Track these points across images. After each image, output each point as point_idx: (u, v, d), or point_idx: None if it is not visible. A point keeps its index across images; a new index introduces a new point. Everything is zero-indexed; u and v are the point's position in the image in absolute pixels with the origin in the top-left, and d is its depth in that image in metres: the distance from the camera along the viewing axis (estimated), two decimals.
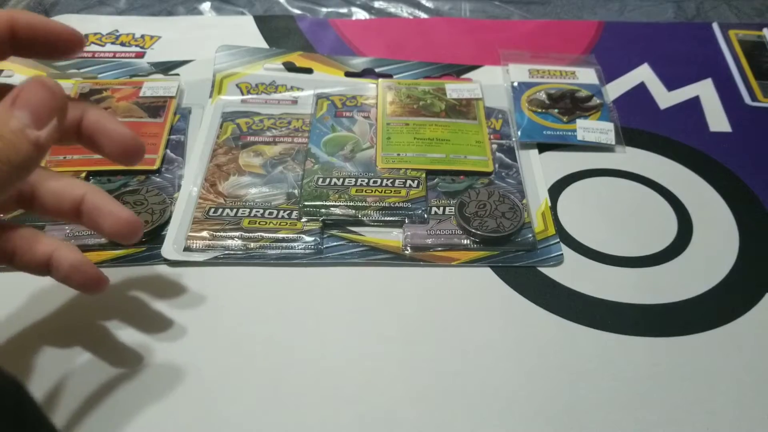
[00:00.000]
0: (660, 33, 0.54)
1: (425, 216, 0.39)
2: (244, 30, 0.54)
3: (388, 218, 0.39)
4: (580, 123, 0.45)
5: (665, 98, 0.49)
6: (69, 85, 0.47)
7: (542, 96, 0.47)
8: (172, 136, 0.44)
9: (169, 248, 0.37)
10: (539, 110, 0.46)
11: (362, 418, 0.31)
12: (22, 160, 0.24)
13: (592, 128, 0.45)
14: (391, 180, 0.41)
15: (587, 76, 0.49)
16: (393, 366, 0.33)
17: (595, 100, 0.47)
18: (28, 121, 0.24)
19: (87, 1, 0.58)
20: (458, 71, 0.50)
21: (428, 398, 0.31)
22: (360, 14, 0.57)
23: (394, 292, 0.36)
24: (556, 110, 0.46)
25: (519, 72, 0.49)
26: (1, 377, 0.23)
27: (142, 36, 0.53)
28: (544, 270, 0.37)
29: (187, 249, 0.37)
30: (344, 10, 0.58)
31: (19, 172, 0.24)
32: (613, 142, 0.44)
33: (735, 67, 0.51)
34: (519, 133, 0.44)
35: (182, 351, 0.33)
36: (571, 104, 0.46)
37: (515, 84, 0.48)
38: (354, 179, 0.41)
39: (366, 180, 0.41)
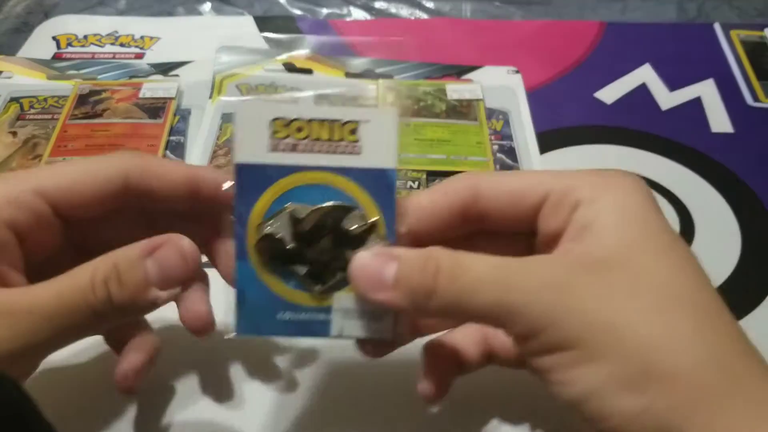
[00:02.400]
0: (662, 33, 0.54)
1: None
2: (244, 30, 0.54)
3: None
4: (341, 299, 0.25)
5: (667, 99, 0.48)
6: (69, 86, 0.47)
7: (283, 226, 0.24)
8: (172, 138, 0.44)
9: None
10: (278, 266, 0.24)
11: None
12: (131, 309, 0.24)
13: (356, 310, 0.25)
14: None
15: (376, 137, 0.25)
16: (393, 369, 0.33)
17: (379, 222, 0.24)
18: (156, 279, 0.24)
19: (87, 2, 0.58)
20: (459, 72, 0.50)
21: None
22: (360, 15, 0.57)
23: None
24: (305, 269, 0.24)
25: (252, 133, 0.24)
26: (3, 382, 0.23)
27: (142, 37, 0.53)
28: None
29: None
30: (344, 11, 0.57)
31: (122, 316, 0.24)
32: (390, 335, 0.25)
33: (737, 67, 0.51)
34: (236, 320, 0.24)
35: (183, 353, 0.33)
36: (332, 245, 0.24)
37: (245, 164, 0.24)
38: None
39: None
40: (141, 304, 0.24)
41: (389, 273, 0.23)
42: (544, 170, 0.25)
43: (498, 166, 0.42)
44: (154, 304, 0.24)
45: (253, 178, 0.24)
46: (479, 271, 0.22)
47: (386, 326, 0.25)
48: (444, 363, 0.27)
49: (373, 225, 0.24)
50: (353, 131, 0.24)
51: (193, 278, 0.25)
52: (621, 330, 0.20)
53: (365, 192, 0.24)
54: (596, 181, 0.23)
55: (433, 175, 0.41)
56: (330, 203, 0.24)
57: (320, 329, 0.25)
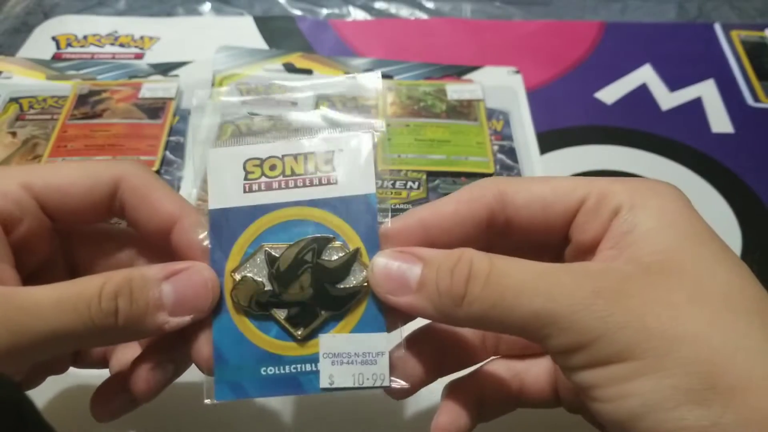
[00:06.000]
0: (662, 33, 0.54)
1: None
2: (244, 31, 0.54)
3: None
4: (328, 342, 0.23)
5: (667, 99, 0.48)
6: (68, 87, 0.47)
7: (259, 268, 0.23)
8: (172, 138, 0.44)
9: None
10: (256, 311, 0.23)
11: None
12: (135, 330, 0.22)
13: (345, 353, 0.23)
14: (391, 182, 0.40)
15: (352, 164, 0.24)
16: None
17: (357, 272, 0.23)
18: (169, 303, 0.22)
19: (86, 2, 0.58)
20: (459, 72, 0.50)
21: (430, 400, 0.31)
22: (360, 15, 0.57)
23: None
24: (284, 313, 0.23)
25: (224, 160, 0.26)
26: (1, 383, 0.23)
27: (142, 37, 0.53)
28: None
29: None
30: (344, 11, 0.57)
31: (123, 335, 0.23)
32: (387, 383, 0.22)
33: (737, 67, 0.51)
34: (214, 383, 0.23)
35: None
36: (312, 281, 0.23)
37: (218, 209, 0.24)
38: None
39: None
40: (148, 326, 0.22)
41: (413, 275, 0.21)
42: (574, 176, 0.23)
43: (498, 167, 0.42)
44: (160, 330, 0.22)
45: (227, 223, 0.23)
46: (518, 277, 0.20)
47: (381, 369, 0.22)
48: (463, 404, 0.24)
49: (356, 253, 0.23)
50: (328, 161, 0.24)
51: (203, 314, 0.23)
52: (685, 339, 0.18)
53: (344, 221, 0.23)
54: (634, 187, 0.22)
55: (433, 176, 0.41)
56: (306, 238, 0.23)
57: (308, 383, 0.22)
